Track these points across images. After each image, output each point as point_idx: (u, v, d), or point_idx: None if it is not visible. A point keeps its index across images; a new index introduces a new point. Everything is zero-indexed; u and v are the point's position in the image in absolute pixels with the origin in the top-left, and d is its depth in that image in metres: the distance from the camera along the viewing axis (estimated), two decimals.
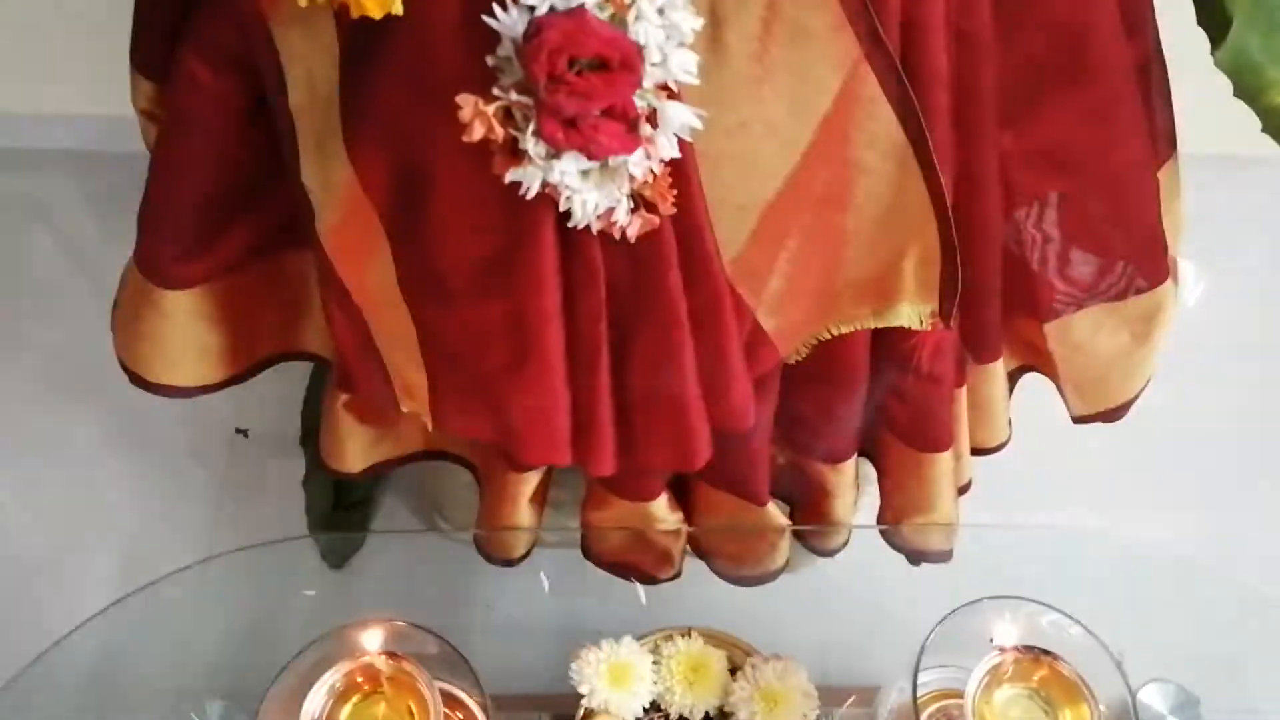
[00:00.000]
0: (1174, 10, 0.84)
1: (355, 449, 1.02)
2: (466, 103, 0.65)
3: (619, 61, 0.62)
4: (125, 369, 0.99)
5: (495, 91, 0.66)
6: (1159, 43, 0.91)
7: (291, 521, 1.46)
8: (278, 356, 1.04)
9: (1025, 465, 1.18)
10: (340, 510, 1.41)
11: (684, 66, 0.66)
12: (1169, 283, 0.96)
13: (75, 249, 1.77)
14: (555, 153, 0.66)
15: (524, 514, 1.01)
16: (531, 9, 0.63)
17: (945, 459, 0.97)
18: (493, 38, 0.66)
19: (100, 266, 1.69)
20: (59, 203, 1.78)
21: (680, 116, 0.67)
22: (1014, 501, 1.26)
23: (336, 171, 0.76)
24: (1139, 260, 0.94)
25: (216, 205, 0.87)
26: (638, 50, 0.63)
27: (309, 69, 0.73)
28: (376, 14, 0.64)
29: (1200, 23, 0.87)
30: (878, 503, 1.11)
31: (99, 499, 1.53)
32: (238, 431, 1.53)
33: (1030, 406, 1.11)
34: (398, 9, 0.64)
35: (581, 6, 0.62)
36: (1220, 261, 1.63)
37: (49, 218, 1.77)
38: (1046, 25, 0.78)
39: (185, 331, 0.94)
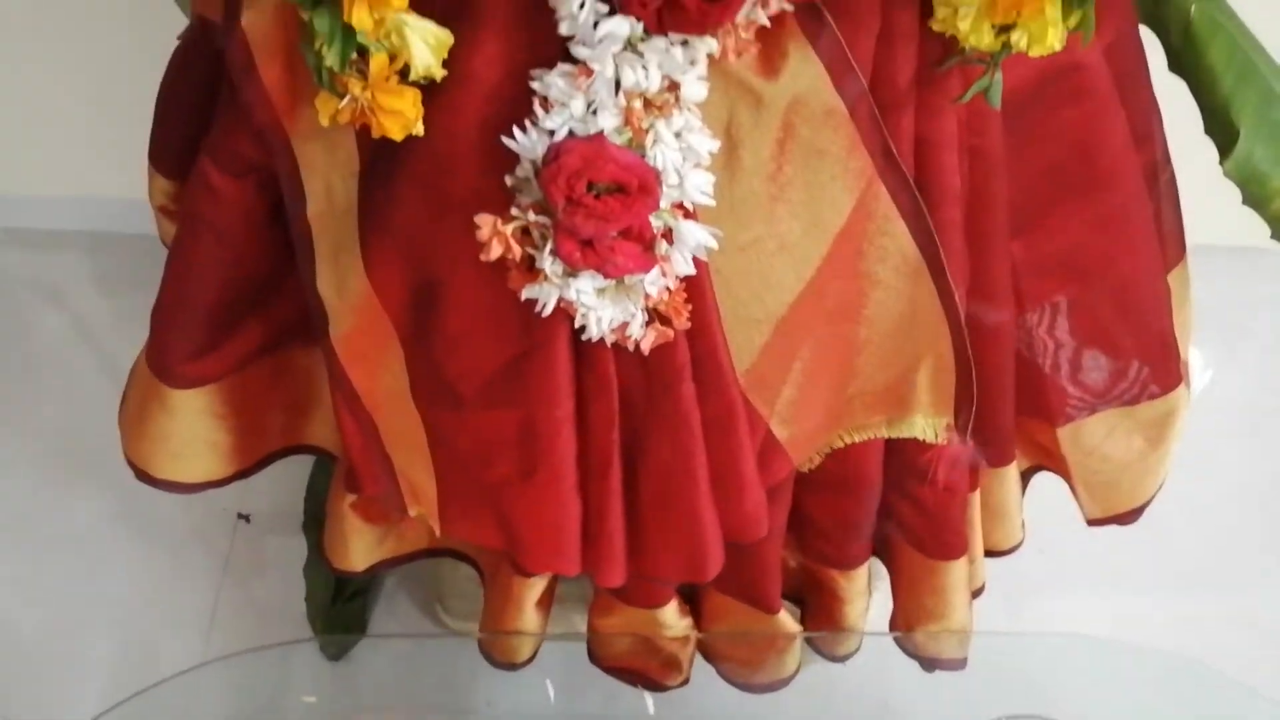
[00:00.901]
0: (1182, 101, 0.85)
1: (360, 548, 1.01)
2: (485, 222, 0.66)
3: (637, 186, 0.63)
4: (131, 465, 0.98)
5: (513, 211, 0.66)
6: (1167, 149, 0.92)
7: (293, 605, 1.44)
8: (284, 451, 1.03)
9: (1037, 562, 1.16)
10: (341, 600, 1.39)
11: (700, 188, 0.67)
12: (1182, 387, 0.96)
13: (84, 328, 1.77)
14: (572, 271, 0.67)
15: (529, 618, 1.00)
16: (550, 133, 0.64)
17: (959, 566, 0.96)
18: (511, 158, 0.66)
19: (109, 346, 1.71)
20: (69, 282, 1.79)
21: (696, 236, 0.67)
22: (1026, 597, 1.24)
23: (353, 282, 0.76)
24: (1152, 365, 0.93)
25: (229, 306, 0.87)
26: (655, 175, 0.64)
27: (328, 181, 0.74)
28: (398, 136, 0.65)
29: (1208, 132, 0.88)
30: (889, 600, 1.10)
31: (101, 579, 1.51)
32: (240, 517, 1.52)
33: (1041, 503, 1.10)
34: (419, 130, 0.65)
35: (600, 133, 0.63)
36: (1226, 349, 1.63)
37: (59, 297, 1.77)
38: (1058, 138, 0.79)
39: (193, 430, 0.94)
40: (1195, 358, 1.13)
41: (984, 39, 0.65)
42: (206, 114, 0.81)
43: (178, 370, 0.90)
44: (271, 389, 0.96)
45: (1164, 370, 0.94)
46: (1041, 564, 1.27)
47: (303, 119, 0.71)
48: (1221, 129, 0.86)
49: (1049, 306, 0.89)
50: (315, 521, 1.27)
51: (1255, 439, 1.65)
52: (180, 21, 0.91)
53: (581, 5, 0.60)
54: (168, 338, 0.89)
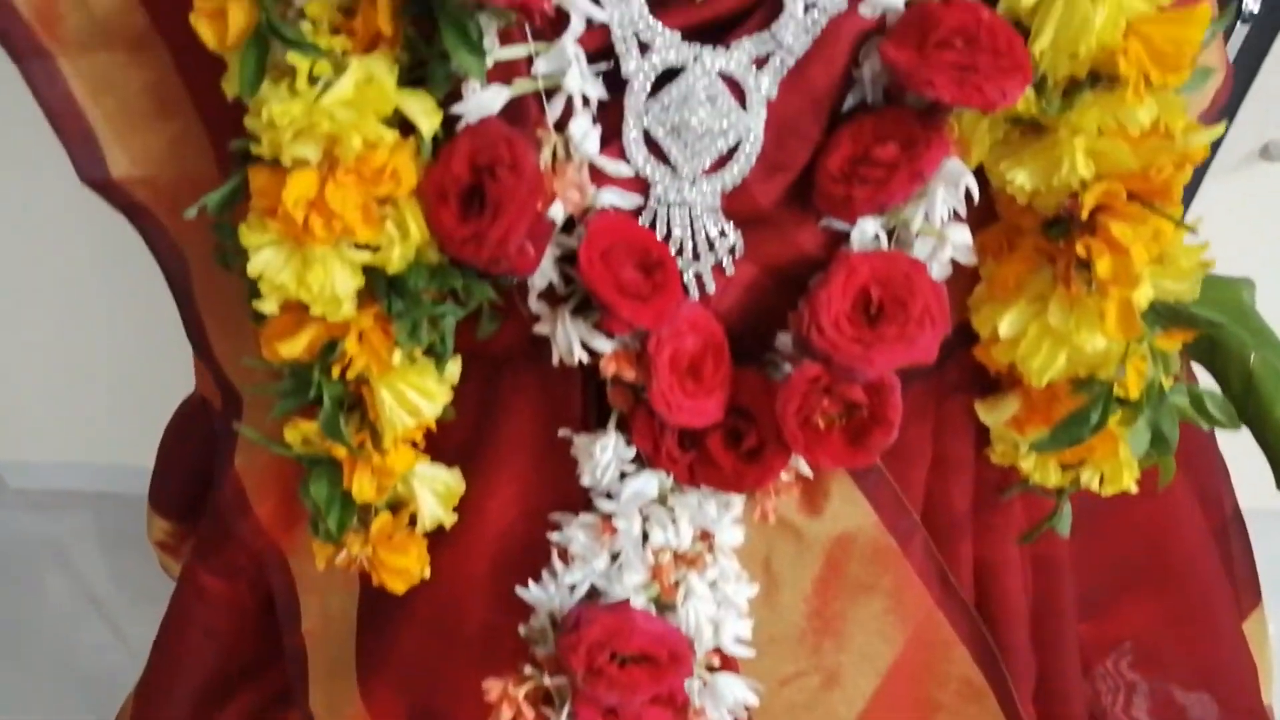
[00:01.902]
0: None
1: None
2: (494, 687, 0.58)
3: (667, 657, 0.56)
4: None
5: (526, 669, 0.59)
6: (1237, 506, 0.85)
7: None
8: None
9: None
10: None
11: (738, 636, 0.59)
12: None
13: (87, 585, 1.72)
14: None
15: None
16: (571, 587, 0.57)
17: None
18: (526, 603, 0.59)
19: (111, 606, 1.64)
20: (75, 541, 1.75)
21: (735, 693, 0.59)
22: None
23: (346, 705, 0.68)
24: None
25: (216, 689, 0.80)
26: (688, 644, 0.56)
27: (325, 600, 0.68)
28: (400, 590, 0.58)
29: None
30: None
31: None
32: None
33: None
34: (425, 574, 0.59)
35: (625, 602, 0.56)
36: None
37: (65, 557, 1.73)
38: (1125, 531, 0.72)
39: None
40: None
41: (1050, 477, 0.59)
42: (204, 470, 0.76)
43: None
44: None
45: None
46: None
47: (299, 537, 0.65)
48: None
49: (1124, 687, 0.81)
50: None
51: None
52: None
53: (606, 458, 0.55)
54: (154, 715, 0.82)
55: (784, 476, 0.57)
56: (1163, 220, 0.50)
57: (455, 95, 0.49)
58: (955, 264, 0.54)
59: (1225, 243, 1.26)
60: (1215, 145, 1.14)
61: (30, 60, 0.51)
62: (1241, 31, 1.03)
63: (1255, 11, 1.00)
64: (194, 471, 0.81)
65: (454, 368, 0.55)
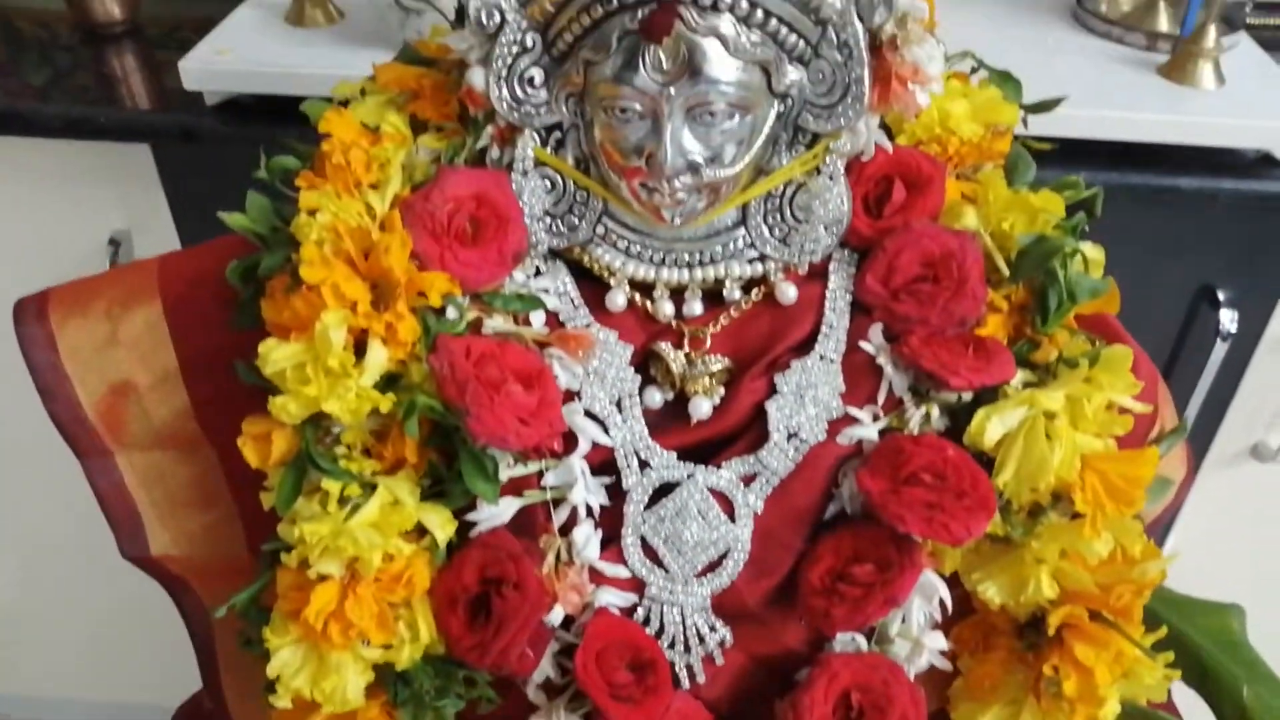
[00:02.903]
0: None
1: None
2: None
3: None
4: None
5: None
6: None
7: None
8: None
9: None
10: None
11: None
12: None
13: None
14: None
15: None
16: None
17: None
18: None
19: None
20: None
21: None
22: None
23: None
24: None
25: None
26: None
27: None
28: None
29: None
30: None
31: None
32: None
33: None
34: None
35: None
36: None
37: None
38: None
39: None
40: None
41: None
42: None
43: None
44: None
45: None
46: None
47: None
48: None
49: None
50: None
51: None
52: None
53: None
54: None
55: None
56: (1125, 642, 0.54)
57: (471, 503, 0.54)
58: None
59: (1217, 541, 1.28)
60: (1206, 444, 1.19)
61: (92, 458, 0.56)
62: (1221, 348, 1.09)
63: (1233, 331, 1.06)
64: None
65: None
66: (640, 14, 0.50)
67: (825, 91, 0.54)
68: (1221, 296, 1.03)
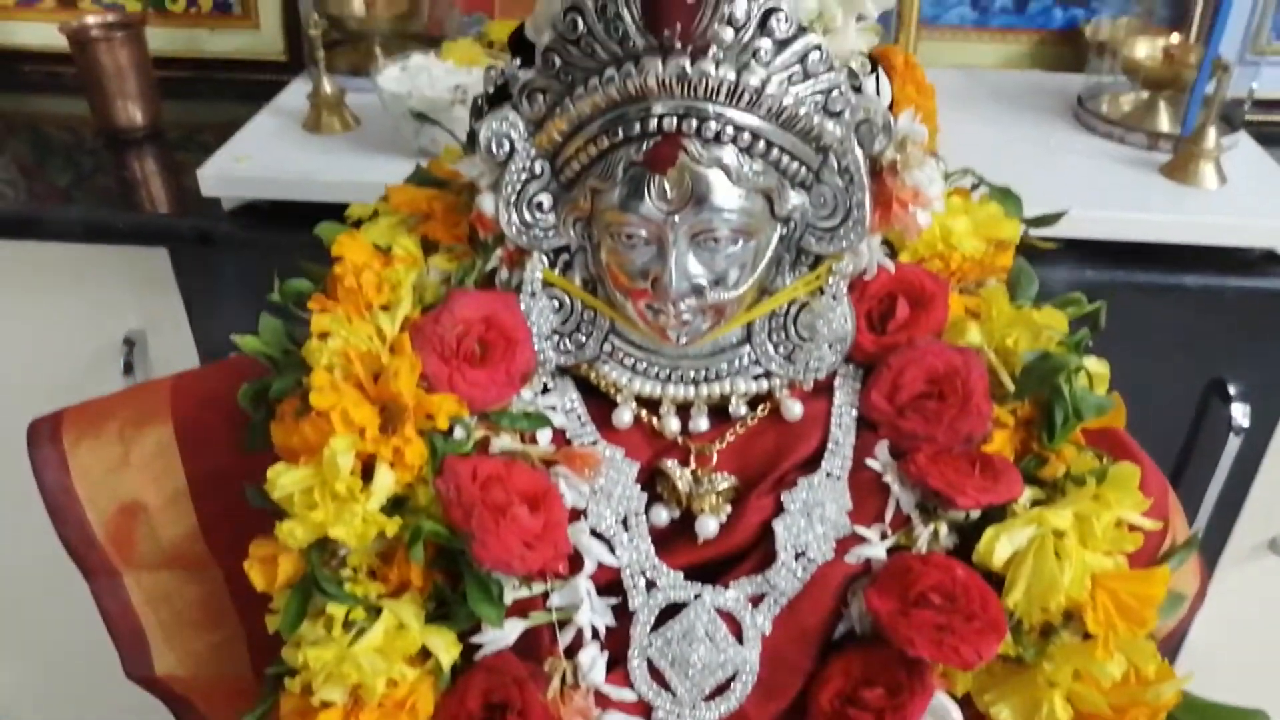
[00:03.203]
0: None
1: None
2: None
3: None
4: None
5: None
6: None
7: None
8: None
9: None
10: None
11: None
12: None
13: None
14: None
15: None
16: None
17: None
18: None
19: None
20: None
21: None
22: None
23: None
24: None
25: None
26: None
27: None
28: None
29: None
30: None
31: None
32: None
33: None
34: None
35: None
36: None
37: None
38: None
39: None
40: None
41: None
42: None
43: None
44: None
45: None
46: None
47: None
48: None
49: None
50: None
51: None
52: None
53: None
54: None
55: None
56: None
57: (476, 624, 0.54)
58: None
59: (1236, 636, 1.25)
60: (1222, 539, 1.17)
61: (100, 578, 0.57)
62: (1235, 443, 1.08)
63: (1245, 425, 1.06)
64: None
65: None
66: (645, 146, 0.51)
67: (827, 215, 0.55)
68: (1233, 390, 1.02)
